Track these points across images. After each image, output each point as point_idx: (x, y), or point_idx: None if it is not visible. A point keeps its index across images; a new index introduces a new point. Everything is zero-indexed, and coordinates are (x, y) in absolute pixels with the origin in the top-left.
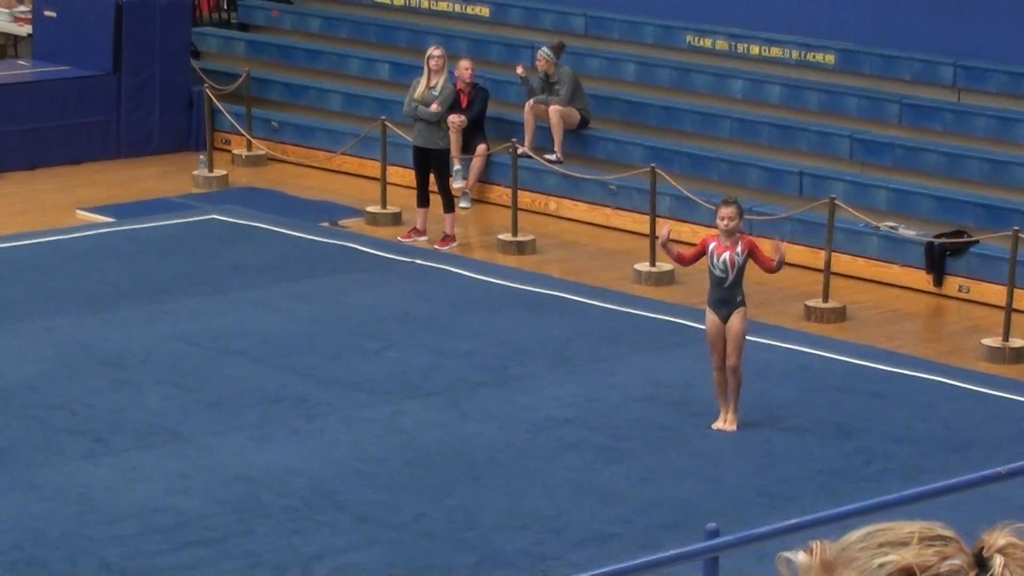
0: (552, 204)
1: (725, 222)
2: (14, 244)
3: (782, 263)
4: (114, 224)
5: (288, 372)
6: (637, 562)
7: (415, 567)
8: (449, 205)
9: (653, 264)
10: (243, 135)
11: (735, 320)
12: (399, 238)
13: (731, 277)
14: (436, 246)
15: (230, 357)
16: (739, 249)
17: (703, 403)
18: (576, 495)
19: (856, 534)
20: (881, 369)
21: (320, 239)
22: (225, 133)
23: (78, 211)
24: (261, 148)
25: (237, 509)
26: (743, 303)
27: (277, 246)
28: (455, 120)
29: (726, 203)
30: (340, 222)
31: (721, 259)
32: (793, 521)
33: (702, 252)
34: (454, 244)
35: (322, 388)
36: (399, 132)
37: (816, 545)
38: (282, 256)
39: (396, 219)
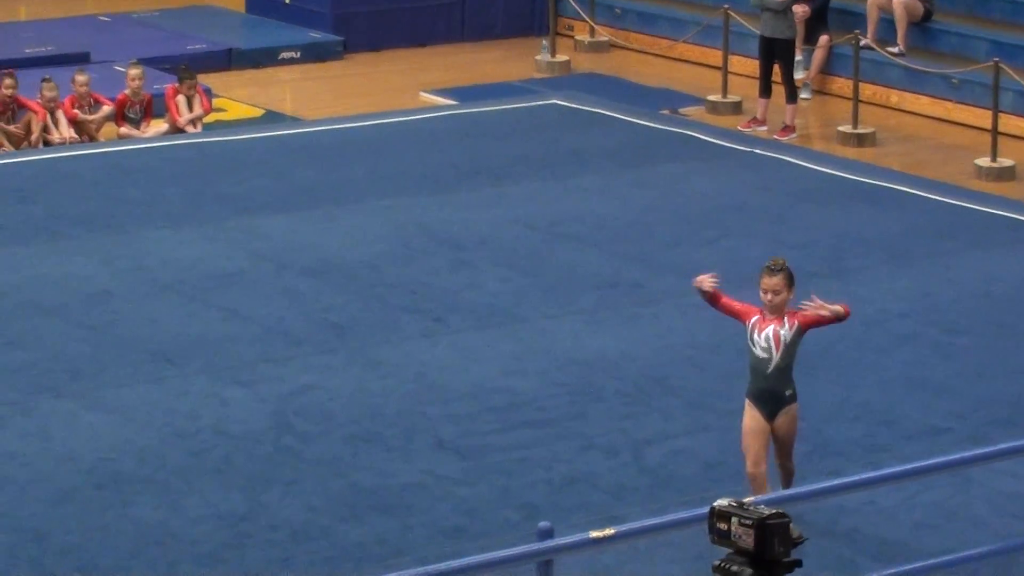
0: (894, 97)
1: (769, 296)
2: (358, 124)
3: (839, 316)
4: (456, 107)
5: (623, 258)
6: (968, 454)
7: None
8: (792, 95)
9: (994, 159)
10: (586, 21)
11: (784, 422)
12: (739, 127)
13: (776, 358)
14: (776, 136)
15: (567, 241)
16: (786, 324)
17: None
18: (909, 388)
19: None
20: None
21: (660, 127)
22: (568, 19)
23: (421, 93)
24: (604, 35)
25: (570, 392)
26: (794, 398)
27: (617, 132)
28: (799, 10)
29: (770, 271)
30: (680, 110)
31: (763, 335)
32: None
33: (740, 315)
34: (794, 135)
35: (657, 275)
36: (741, 21)
37: None
38: (621, 142)
39: (736, 108)
